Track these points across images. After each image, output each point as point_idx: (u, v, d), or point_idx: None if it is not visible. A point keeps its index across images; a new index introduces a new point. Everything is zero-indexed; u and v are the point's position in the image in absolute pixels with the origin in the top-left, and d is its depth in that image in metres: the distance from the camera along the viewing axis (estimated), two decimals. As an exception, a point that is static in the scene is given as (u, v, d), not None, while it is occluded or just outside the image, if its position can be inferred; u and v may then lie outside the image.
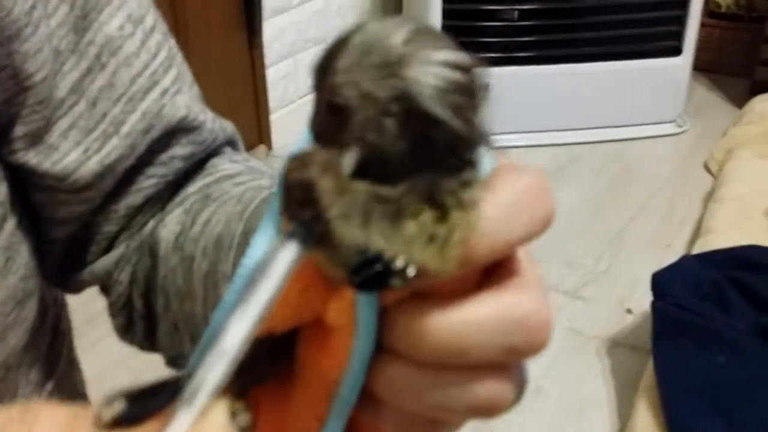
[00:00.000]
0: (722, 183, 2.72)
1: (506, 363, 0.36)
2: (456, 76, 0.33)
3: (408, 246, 0.33)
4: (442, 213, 0.33)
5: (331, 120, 0.34)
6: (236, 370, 0.34)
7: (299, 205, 0.33)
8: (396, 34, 0.33)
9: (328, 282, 0.37)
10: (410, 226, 0.33)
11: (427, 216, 0.33)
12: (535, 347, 0.35)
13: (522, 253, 0.37)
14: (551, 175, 2.93)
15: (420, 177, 0.34)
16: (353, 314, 0.36)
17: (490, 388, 0.36)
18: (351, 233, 0.33)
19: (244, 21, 2.86)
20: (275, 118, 3.09)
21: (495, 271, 0.36)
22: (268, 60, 3.00)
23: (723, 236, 2.34)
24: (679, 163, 3.17)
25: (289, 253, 0.34)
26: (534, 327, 0.35)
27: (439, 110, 0.33)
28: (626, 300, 2.36)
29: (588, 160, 3.14)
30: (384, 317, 0.36)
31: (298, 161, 0.33)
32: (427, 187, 0.34)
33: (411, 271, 0.33)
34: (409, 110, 0.33)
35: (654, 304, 1.97)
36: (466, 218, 0.33)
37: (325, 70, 0.34)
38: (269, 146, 3.07)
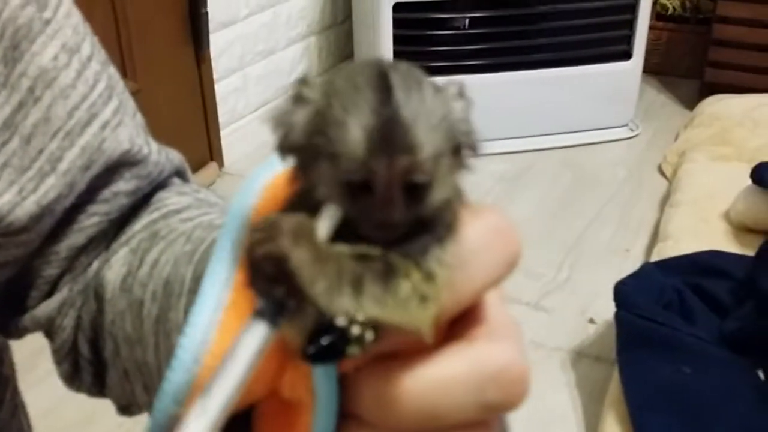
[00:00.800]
0: (677, 187, 2.72)
1: (484, 420, 0.34)
2: (466, 101, 0.33)
3: (403, 308, 0.31)
4: (427, 272, 0.32)
5: (407, 201, 0.31)
6: None
7: (270, 281, 0.30)
8: (425, 87, 0.32)
9: (281, 351, 0.34)
10: (405, 286, 0.31)
11: (417, 275, 0.31)
12: (513, 402, 0.33)
13: (492, 298, 0.35)
14: (505, 184, 2.92)
15: (408, 239, 0.32)
16: (310, 386, 0.33)
17: None
18: (340, 305, 0.30)
19: (190, 35, 2.80)
20: (226, 133, 3.04)
21: (461, 318, 0.34)
22: (216, 74, 2.94)
23: (681, 241, 2.34)
24: (633, 167, 3.18)
25: (257, 337, 0.31)
26: (510, 381, 0.33)
27: (474, 139, 0.33)
28: (588, 309, 2.35)
29: (542, 167, 3.13)
30: (346, 383, 0.33)
31: (264, 231, 0.30)
32: (413, 247, 0.32)
33: (369, 337, 0.31)
34: (457, 151, 0.33)
35: (617, 315, 1.96)
36: (449, 277, 0.32)
37: (388, 153, 0.30)
38: (220, 163, 3.01)
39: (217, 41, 2.91)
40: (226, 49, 2.98)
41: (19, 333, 0.59)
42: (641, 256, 2.57)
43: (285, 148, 0.32)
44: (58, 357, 0.59)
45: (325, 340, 0.30)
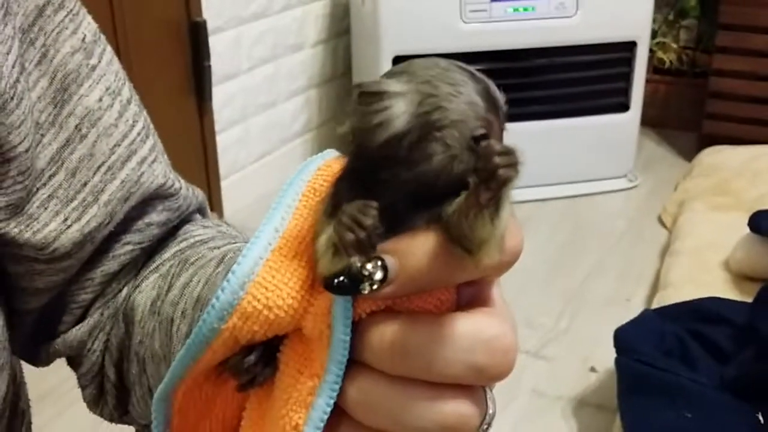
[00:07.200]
0: (677, 236, 2.73)
1: (473, 384, 0.39)
2: None
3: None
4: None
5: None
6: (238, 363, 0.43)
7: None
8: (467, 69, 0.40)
9: (308, 293, 0.41)
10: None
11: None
12: (499, 369, 0.39)
13: (497, 293, 0.42)
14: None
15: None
16: (329, 322, 0.39)
17: (455, 407, 0.38)
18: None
19: (193, 87, 2.84)
20: (226, 184, 3.06)
21: (470, 305, 0.40)
22: (218, 126, 2.97)
23: (682, 290, 2.34)
24: (632, 217, 3.19)
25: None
26: (498, 348, 0.38)
27: None
28: (589, 358, 2.33)
29: (541, 217, 3.14)
30: (358, 332, 0.39)
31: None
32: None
33: (378, 276, 0.37)
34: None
35: (618, 361, 1.95)
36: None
37: (497, 107, 0.39)
38: (220, 213, 3.02)
39: (219, 93, 2.94)
40: (229, 101, 3.02)
41: (49, 359, 0.63)
42: (642, 305, 2.56)
43: (384, 140, 0.38)
44: (85, 380, 0.63)
45: (345, 275, 0.37)
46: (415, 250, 0.38)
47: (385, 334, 0.38)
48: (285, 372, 0.42)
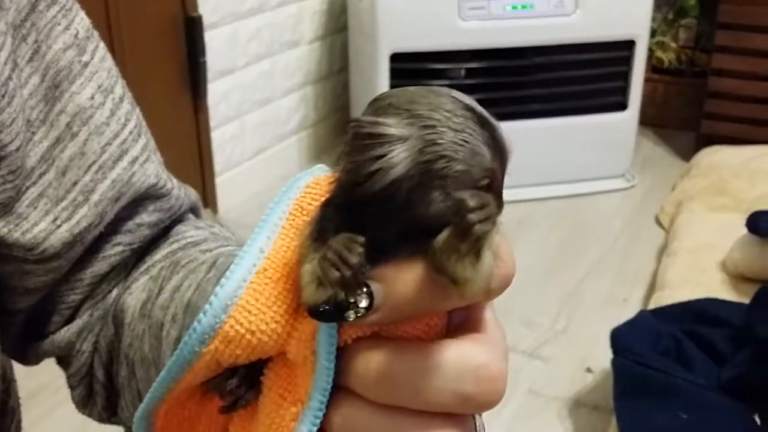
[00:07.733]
0: (674, 237, 2.72)
1: (461, 412, 0.38)
2: None
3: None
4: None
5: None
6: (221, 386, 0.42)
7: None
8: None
9: (291, 318, 0.40)
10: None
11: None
12: (487, 398, 0.37)
13: (489, 315, 0.40)
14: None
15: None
16: (314, 348, 0.38)
17: None
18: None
19: (189, 84, 2.82)
20: (221, 181, 3.05)
21: (460, 328, 0.39)
22: (213, 122, 2.96)
23: (678, 290, 2.33)
24: (630, 217, 3.18)
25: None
26: (486, 377, 0.37)
27: None
28: (586, 358, 2.32)
29: (538, 217, 3.13)
30: (344, 358, 0.38)
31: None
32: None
33: (363, 303, 0.36)
34: None
35: (614, 361, 1.94)
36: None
37: (503, 156, 0.39)
38: (215, 210, 3.01)
39: (215, 89, 2.93)
40: (224, 98, 3.00)
41: (38, 358, 0.62)
42: (638, 305, 2.55)
43: (380, 188, 0.36)
44: (74, 381, 0.62)
45: (330, 303, 0.36)
46: (401, 277, 0.37)
47: (370, 362, 0.37)
48: (268, 396, 0.41)
